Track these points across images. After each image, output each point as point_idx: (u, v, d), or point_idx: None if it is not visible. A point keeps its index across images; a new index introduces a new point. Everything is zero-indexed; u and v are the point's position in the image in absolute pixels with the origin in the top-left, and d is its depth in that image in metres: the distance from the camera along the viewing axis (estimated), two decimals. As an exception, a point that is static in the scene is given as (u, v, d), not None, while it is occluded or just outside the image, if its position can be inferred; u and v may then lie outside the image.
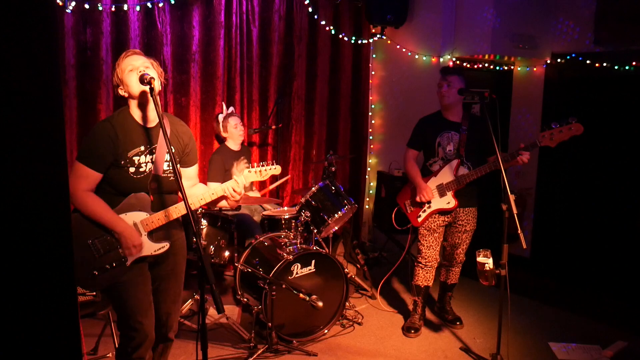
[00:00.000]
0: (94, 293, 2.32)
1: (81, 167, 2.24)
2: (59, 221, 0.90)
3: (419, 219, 3.68)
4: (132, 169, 2.31)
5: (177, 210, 2.43)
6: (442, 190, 3.60)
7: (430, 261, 3.69)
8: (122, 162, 2.29)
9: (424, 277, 3.74)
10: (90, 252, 2.28)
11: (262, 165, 2.55)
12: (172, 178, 2.43)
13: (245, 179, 2.49)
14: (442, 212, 3.63)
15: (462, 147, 3.61)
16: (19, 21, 0.79)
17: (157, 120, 2.38)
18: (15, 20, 0.78)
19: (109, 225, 2.29)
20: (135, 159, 2.32)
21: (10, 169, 0.82)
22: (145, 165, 2.35)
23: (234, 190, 2.44)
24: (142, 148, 2.34)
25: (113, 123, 2.31)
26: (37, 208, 0.86)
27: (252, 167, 2.52)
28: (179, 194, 2.42)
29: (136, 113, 2.36)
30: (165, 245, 2.44)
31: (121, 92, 2.35)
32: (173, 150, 2.39)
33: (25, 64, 0.81)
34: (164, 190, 2.43)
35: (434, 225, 3.66)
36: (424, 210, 3.66)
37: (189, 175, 2.59)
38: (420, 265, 3.73)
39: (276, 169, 2.59)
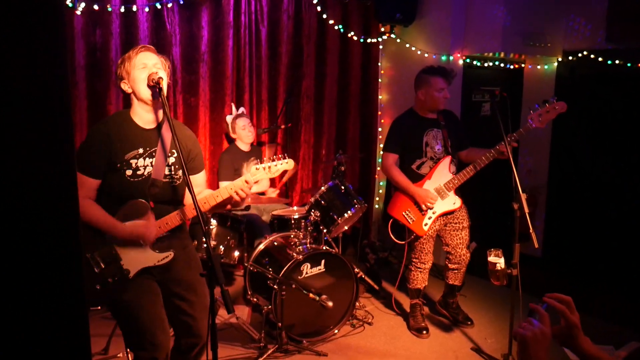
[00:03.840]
0: (98, 307, 2.23)
1: (77, 175, 2.16)
2: (67, 220, 0.90)
3: (425, 227, 3.54)
4: (129, 172, 2.21)
5: (177, 219, 2.29)
6: (442, 191, 3.52)
7: (428, 263, 3.69)
8: (118, 165, 2.19)
9: (423, 279, 3.73)
10: (89, 266, 2.18)
11: (272, 160, 2.33)
12: (174, 184, 2.32)
13: (253, 176, 2.32)
14: (446, 214, 3.57)
15: (448, 143, 3.55)
16: (23, 20, 0.79)
17: (157, 123, 2.30)
18: (19, 20, 0.78)
19: (110, 231, 2.19)
20: (133, 161, 2.22)
21: (17, 171, 0.82)
22: (144, 169, 2.24)
23: (241, 190, 2.30)
24: (141, 150, 2.24)
25: (108, 126, 2.23)
26: (45, 208, 0.86)
27: (261, 162, 2.33)
28: (173, 207, 2.33)
29: (136, 114, 2.27)
30: (170, 255, 2.32)
31: (124, 86, 2.25)
32: (176, 155, 2.30)
33: (27, 63, 0.80)
34: (161, 199, 2.31)
35: (432, 231, 3.62)
36: (429, 217, 3.53)
37: (196, 182, 2.43)
38: (419, 269, 3.69)
39: (288, 163, 2.35)
